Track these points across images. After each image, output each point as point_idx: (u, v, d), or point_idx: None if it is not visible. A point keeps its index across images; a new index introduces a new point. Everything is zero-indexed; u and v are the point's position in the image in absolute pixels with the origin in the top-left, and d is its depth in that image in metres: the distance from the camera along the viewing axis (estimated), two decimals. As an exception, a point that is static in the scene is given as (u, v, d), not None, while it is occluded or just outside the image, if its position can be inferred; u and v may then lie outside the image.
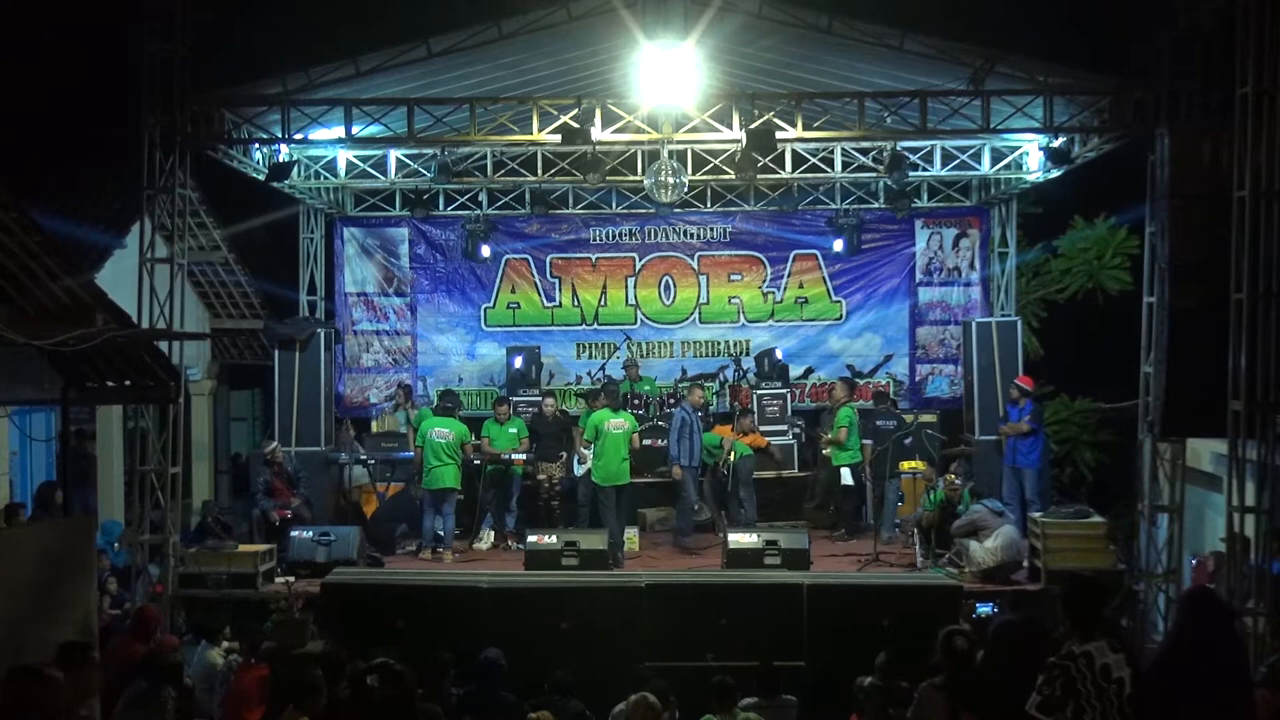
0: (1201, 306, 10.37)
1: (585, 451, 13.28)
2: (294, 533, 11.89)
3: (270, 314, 16.54)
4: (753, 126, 11.88)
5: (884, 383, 16.53)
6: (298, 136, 12.37)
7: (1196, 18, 10.56)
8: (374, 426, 15.40)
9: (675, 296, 16.74)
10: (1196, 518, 12.37)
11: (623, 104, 11.99)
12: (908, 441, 12.93)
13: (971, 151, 14.21)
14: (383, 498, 13.36)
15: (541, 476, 13.36)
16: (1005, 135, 13.02)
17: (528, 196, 16.06)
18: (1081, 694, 4.91)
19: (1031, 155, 13.96)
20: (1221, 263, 9.75)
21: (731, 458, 13.16)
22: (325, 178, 14.78)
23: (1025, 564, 11.43)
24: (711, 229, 16.72)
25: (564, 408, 15.06)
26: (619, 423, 12.54)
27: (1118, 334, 13.78)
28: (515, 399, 15.05)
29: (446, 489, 12.44)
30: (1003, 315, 15.64)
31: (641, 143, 12.92)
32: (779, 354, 15.95)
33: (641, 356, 16.48)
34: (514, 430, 13.28)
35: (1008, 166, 14.21)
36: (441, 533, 12.51)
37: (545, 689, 7.89)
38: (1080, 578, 5.65)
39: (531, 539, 11.53)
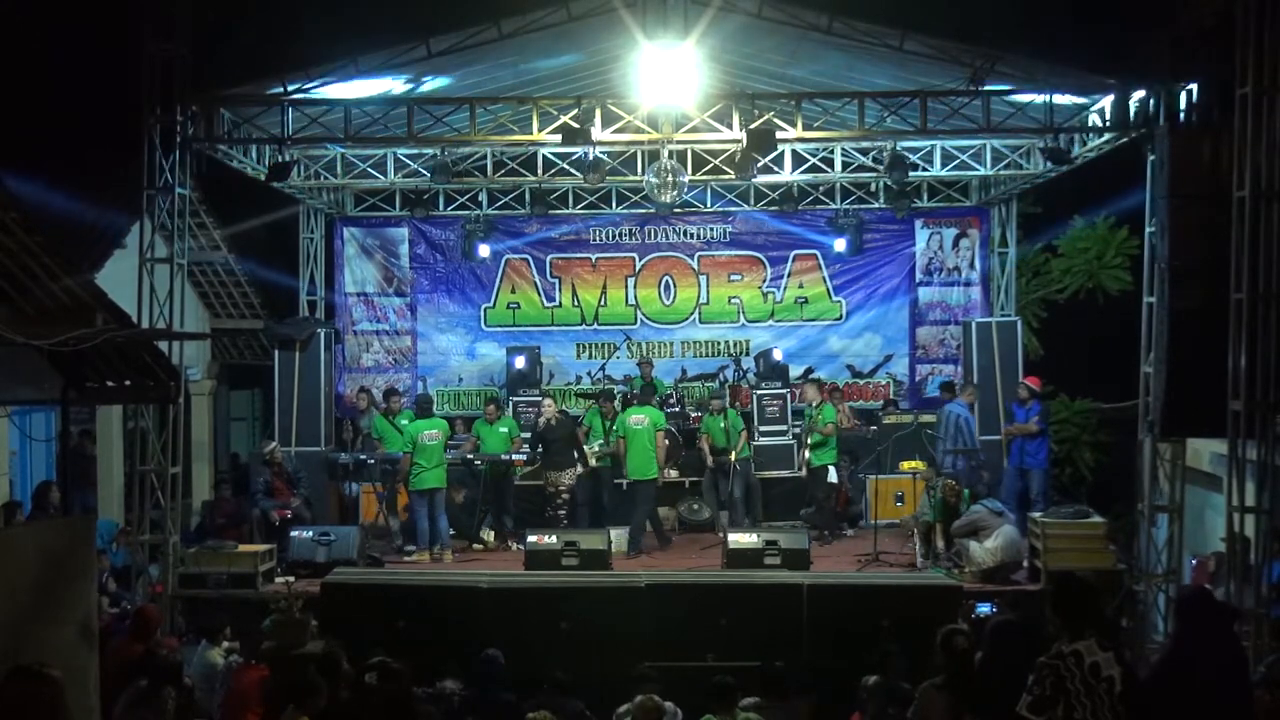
0: (1201, 306, 10.35)
1: (586, 450, 13.27)
2: (294, 533, 11.88)
3: (270, 314, 16.55)
4: (753, 126, 11.88)
5: (884, 383, 16.56)
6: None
7: (1196, 17, 10.56)
8: (374, 426, 15.39)
9: (675, 296, 16.75)
10: (1196, 518, 12.37)
11: (623, 104, 11.98)
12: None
13: (971, 151, 14.22)
14: (382, 497, 13.35)
15: (551, 488, 12.85)
16: (1005, 135, 13.03)
17: (528, 196, 16.07)
18: (1071, 692, 4.92)
19: (1031, 155, 13.96)
20: (1221, 263, 9.75)
21: (732, 457, 13.14)
22: (325, 178, 14.78)
23: (1025, 564, 11.43)
24: (711, 229, 16.73)
25: (564, 408, 14.92)
26: (640, 418, 12.73)
27: (1118, 334, 13.78)
28: (515, 399, 15.06)
29: (435, 489, 12.41)
30: (1003, 315, 15.65)
31: (641, 143, 12.92)
32: (777, 355, 15.94)
33: (641, 356, 16.49)
34: (505, 430, 13.15)
35: (1008, 166, 14.22)
36: (439, 531, 12.49)
37: (545, 689, 7.89)
38: (1069, 577, 5.65)
39: (531, 539, 11.51)
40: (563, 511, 12.81)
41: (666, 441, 13.17)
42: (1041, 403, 13.36)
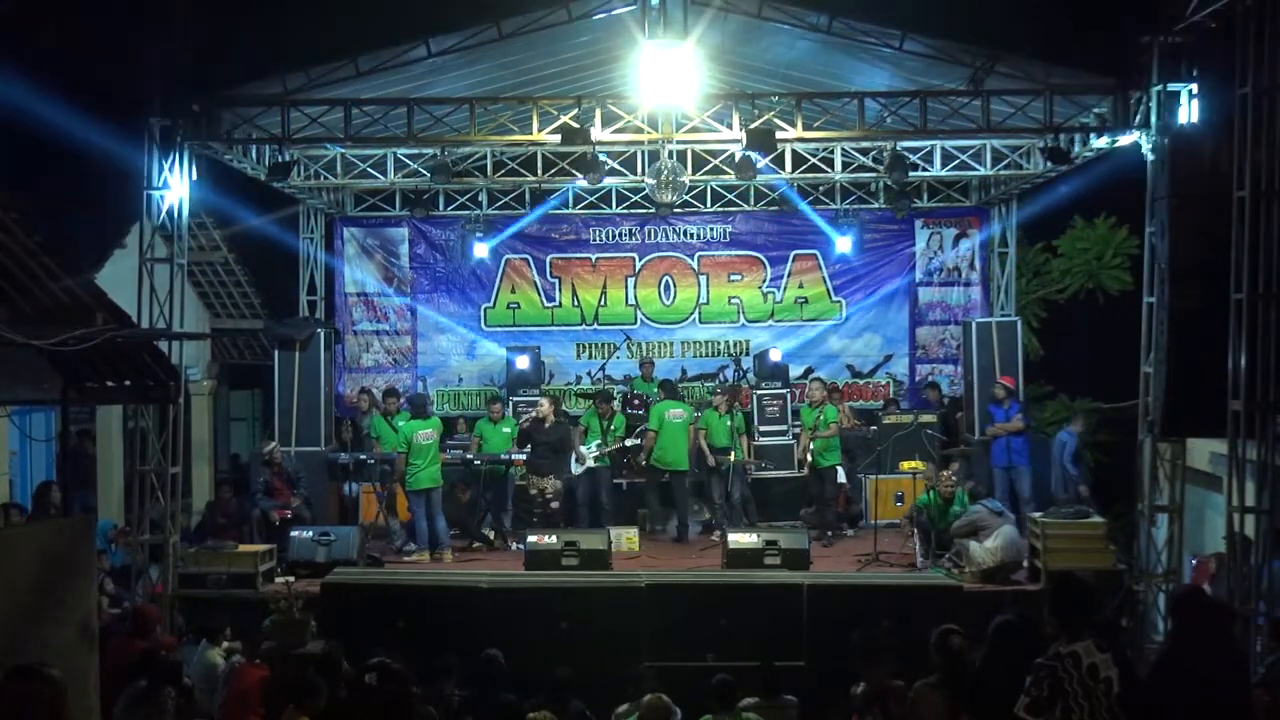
0: (1201, 306, 10.36)
1: (584, 450, 13.28)
2: (294, 533, 11.88)
3: (270, 314, 16.54)
4: (753, 126, 11.88)
5: (884, 383, 16.55)
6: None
7: (1196, 17, 10.55)
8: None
9: (675, 296, 16.76)
10: (1196, 518, 12.36)
11: (623, 104, 11.99)
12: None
13: (971, 151, 14.21)
14: (382, 497, 13.35)
15: (533, 491, 12.81)
16: (1005, 135, 13.03)
17: (528, 196, 16.06)
18: (1069, 694, 4.91)
19: (1031, 155, 13.97)
20: (1221, 263, 9.74)
21: (731, 458, 13.14)
22: (325, 178, 14.78)
23: (1025, 564, 11.43)
24: (711, 229, 16.74)
25: (565, 409, 14.86)
26: (678, 413, 13.20)
27: (1118, 334, 13.77)
28: (515, 399, 15.04)
29: (430, 489, 12.41)
30: (1003, 315, 15.64)
31: (641, 143, 12.92)
32: (775, 356, 15.92)
33: (642, 356, 16.49)
34: (508, 430, 13.21)
35: (1008, 166, 14.22)
36: (437, 532, 12.48)
37: (545, 689, 7.89)
38: (1067, 578, 5.65)
39: (531, 539, 11.51)
40: (545, 514, 12.75)
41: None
42: (1019, 401, 13.40)
